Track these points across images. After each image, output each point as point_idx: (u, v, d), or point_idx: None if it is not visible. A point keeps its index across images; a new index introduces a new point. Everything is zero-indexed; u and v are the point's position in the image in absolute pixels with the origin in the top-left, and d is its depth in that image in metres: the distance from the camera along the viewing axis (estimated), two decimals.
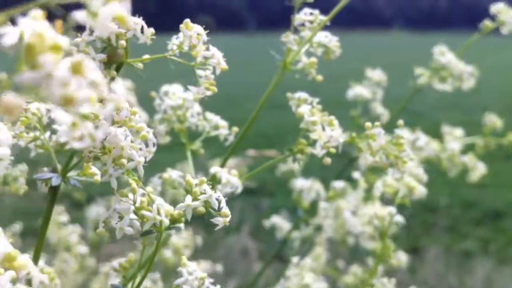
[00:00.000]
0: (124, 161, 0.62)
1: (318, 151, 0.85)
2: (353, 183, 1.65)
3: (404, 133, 1.86)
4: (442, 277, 4.22)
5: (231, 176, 0.90)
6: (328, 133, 0.85)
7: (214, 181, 0.89)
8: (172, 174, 0.96)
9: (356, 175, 1.57)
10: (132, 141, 0.64)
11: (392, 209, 1.14)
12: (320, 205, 1.59)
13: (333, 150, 0.85)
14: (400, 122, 0.93)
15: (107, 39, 0.69)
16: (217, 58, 0.74)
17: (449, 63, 1.61)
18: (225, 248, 4.58)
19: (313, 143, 0.88)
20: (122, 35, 0.69)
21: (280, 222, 1.77)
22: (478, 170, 1.75)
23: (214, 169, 0.91)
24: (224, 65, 0.75)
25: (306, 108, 0.90)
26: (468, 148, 1.89)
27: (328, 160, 0.85)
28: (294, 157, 0.91)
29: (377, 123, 0.89)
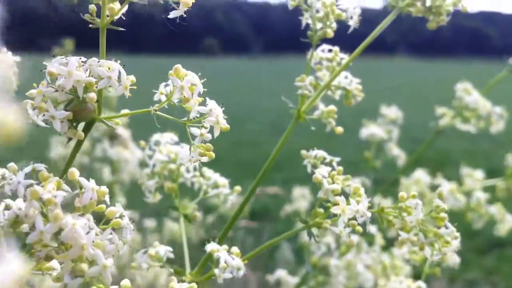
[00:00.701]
0: (85, 266, 0.45)
1: (341, 229, 0.68)
2: (369, 237, 1.48)
3: (421, 175, 1.71)
4: None
5: (230, 257, 0.72)
6: (353, 208, 0.68)
7: (210, 260, 0.72)
8: (159, 250, 0.78)
9: (372, 229, 1.40)
10: (97, 234, 0.47)
11: (421, 284, 0.96)
12: (331, 262, 1.42)
13: (359, 230, 0.69)
14: (440, 191, 0.76)
15: (73, 90, 0.53)
16: (216, 115, 0.57)
17: (476, 103, 1.45)
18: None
19: (332, 217, 0.71)
20: (91, 85, 0.52)
21: (285, 276, 1.59)
22: (508, 222, 1.57)
23: (211, 247, 0.73)
24: (224, 124, 0.58)
25: (325, 171, 0.73)
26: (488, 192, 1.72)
27: (352, 241, 0.68)
28: (309, 231, 0.74)
29: (414, 193, 0.72)
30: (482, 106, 1.45)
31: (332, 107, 0.85)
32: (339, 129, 0.85)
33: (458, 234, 0.73)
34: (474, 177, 1.80)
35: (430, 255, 0.72)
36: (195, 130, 0.58)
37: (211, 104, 0.57)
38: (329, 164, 0.79)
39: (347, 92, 0.88)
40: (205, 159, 0.58)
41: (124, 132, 1.87)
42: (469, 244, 5.57)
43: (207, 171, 0.88)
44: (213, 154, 0.57)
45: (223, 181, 0.87)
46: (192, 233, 2.60)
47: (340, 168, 0.76)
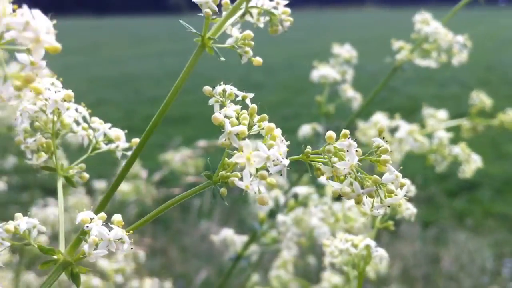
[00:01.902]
0: None
1: (247, 182, 0.52)
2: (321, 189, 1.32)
3: (380, 118, 1.55)
4: (419, 251, 4.14)
5: (106, 229, 0.56)
6: (261, 154, 0.52)
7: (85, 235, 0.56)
8: (21, 223, 0.61)
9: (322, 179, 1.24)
10: None
11: (370, 241, 0.81)
12: (277, 218, 1.26)
13: (272, 182, 0.52)
14: (380, 122, 0.60)
15: None
16: (34, 28, 0.39)
17: (436, 32, 1.28)
18: (197, 236, 4.37)
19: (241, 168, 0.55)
20: None
21: (231, 236, 1.43)
22: (473, 163, 1.42)
23: (81, 216, 0.57)
24: (49, 41, 0.40)
25: (231, 110, 0.57)
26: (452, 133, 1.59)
27: (263, 198, 0.52)
28: (214, 188, 0.58)
29: (345, 132, 0.56)
30: (443, 35, 1.29)
31: (249, 32, 0.67)
32: (258, 60, 0.68)
33: (405, 181, 0.58)
34: (437, 117, 1.66)
35: (370, 208, 0.57)
36: (20, 56, 0.40)
37: (26, 13, 0.40)
38: (242, 102, 0.63)
39: (272, 17, 0.70)
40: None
41: None
42: (440, 188, 5.60)
43: (96, 121, 0.71)
44: (42, 89, 0.40)
45: (116, 133, 0.70)
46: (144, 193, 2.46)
47: (254, 106, 0.59)
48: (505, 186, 5.80)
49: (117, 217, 0.59)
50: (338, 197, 1.20)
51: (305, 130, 1.48)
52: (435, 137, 1.42)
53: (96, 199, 2.70)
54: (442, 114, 1.68)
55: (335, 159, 0.56)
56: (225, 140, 0.54)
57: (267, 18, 0.70)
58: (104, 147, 0.71)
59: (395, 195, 0.57)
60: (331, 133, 0.56)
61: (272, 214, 1.36)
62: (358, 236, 0.84)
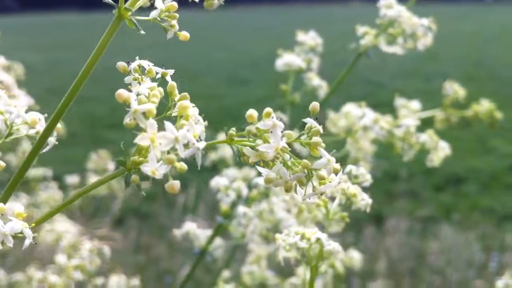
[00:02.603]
0: None
1: (153, 167, 0.46)
2: None
3: (351, 108, 1.50)
4: (405, 245, 4.12)
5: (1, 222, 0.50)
6: (168, 135, 0.46)
7: None
8: None
9: (263, 171, 1.17)
10: None
11: (321, 235, 0.75)
12: (238, 209, 1.21)
13: (181, 167, 0.47)
14: (314, 104, 0.54)
15: None
16: None
17: (400, 16, 1.22)
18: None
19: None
20: None
21: (194, 230, 1.37)
22: (441, 150, 1.37)
23: None
24: None
25: (145, 88, 0.51)
26: (426, 124, 1.55)
27: (173, 186, 0.46)
28: (127, 175, 0.52)
29: (268, 110, 0.50)
30: (407, 18, 1.23)
31: (172, 3, 0.61)
32: (184, 34, 0.62)
33: (338, 166, 0.52)
34: (410, 108, 1.61)
35: (302, 197, 0.52)
36: None
37: None
38: (162, 79, 0.57)
39: None
40: None
41: None
42: (426, 182, 5.59)
43: (11, 104, 0.64)
44: None
45: (33, 116, 0.63)
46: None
47: (173, 83, 0.54)
48: (491, 180, 5.81)
49: (17, 208, 0.53)
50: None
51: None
52: (402, 125, 1.37)
53: (69, 194, 2.64)
54: (415, 104, 1.64)
55: (259, 141, 0.50)
56: (130, 120, 0.48)
57: None
58: (23, 132, 0.65)
59: (329, 181, 0.51)
60: (251, 112, 0.50)
61: (236, 205, 1.31)
62: (311, 229, 0.78)
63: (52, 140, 0.62)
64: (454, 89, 1.64)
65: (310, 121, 0.53)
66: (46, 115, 0.64)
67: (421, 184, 5.60)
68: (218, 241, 1.37)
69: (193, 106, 0.50)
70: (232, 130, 0.52)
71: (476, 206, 5.15)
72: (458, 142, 5.73)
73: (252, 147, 0.51)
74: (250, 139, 0.51)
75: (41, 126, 0.63)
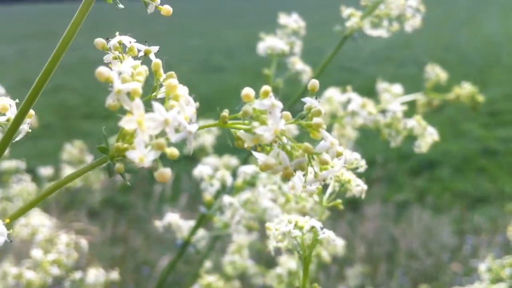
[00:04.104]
0: None
1: (141, 154, 0.41)
2: None
3: (333, 93, 1.46)
4: (381, 230, 4.15)
5: None
6: (157, 117, 0.41)
7: None
8: None
9: (260, 156, 1.13)
10: None
11: (315, 223, 0.71)
12: (223, 199, 1.16)
13: (172, 153, 0.42)
14: (313, 82, 0.49)
15: None
16: None
17: None
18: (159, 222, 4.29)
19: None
20: None
21: (176, 221, 1.32)
22: (429, 136, 1.34)
23: None
24: None
25: (127, 66, 0.46)
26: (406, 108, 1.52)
27: (164, 175, 0.42)
28: (110, 164, 0.47)
29: (266, 88, 0.46)
30: None
31: None
32: (167, 8, 0.57)
33: (342, 150, 0.48)
34: (392, 92, 1.59)
35: (303, 184, 0.47)
36: None
37: None
38: (145, 57, 0.52)
39: None
40: None
41: None
42: (401, 167, 5.63)
43: None
44: None
45: (2, 102, 0.58)
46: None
47: (158, 61, 0.49)
48: (464, 163, 5.87)
49: None
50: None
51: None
52: (388, 111, 1.34)
53: (43, 187, 2.56)
54: (397, 88, 1.61)
55: (256, 123, 0.46)
56: (113, 101, 0.43)
57: None
58: None
59: (331, 167, 0.47)
60: (248, 91, 0.46)
61: (220, 196, 1.26)
62: (304, 218, 0.74)
63: (24, 127, 0.57)
64: (436, 73, 1.61)
65: (310, 101, 0.49)
66: (17, 100, 0.59)
67: (396, 169, 5.64)
68: (201, 232, 1.33)
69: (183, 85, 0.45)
70: (225, 112, 0.47)
71: (449, 190, 5.21)
72: (430, 126, 5.77)
73: (248, 130, 0.46)
74: (245, 121, 0.47)
75: (11, 113, 0.57)
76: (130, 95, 0.42)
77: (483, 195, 5.09)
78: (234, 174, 1.28)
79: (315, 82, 0.50)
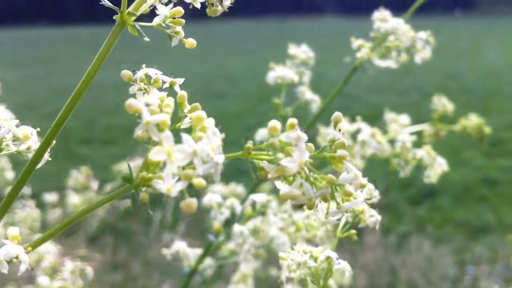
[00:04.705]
0: None
1: (169, 185, 0.41)
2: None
3: (344, 124, 1.46)
4: (382, 260, 4.11)
5: None
6: (186, 148, 0.41)
7: None
8: None
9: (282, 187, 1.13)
10: None
11: (331, 253, 0.70)
12: (234, 229, 1.15)
13: (200, 184, 0.42)
14: (337, 114, 0.50)
15: None
16: None
17: (398, 28, 1.20)
18: (158, 250, 4.26)
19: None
20: None
21: (184, 249, 1.32)
22: (439, 166, 1.34)
23: None
24: None
25: (154, 97, 0.46)
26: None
27: (190, 205, 0.42)
28: (134, 194, 0.47)
29: (292, 121, 0.46)
30: (406, 30, 1.21)
31: (179, 8, 0.57)
32: (191, 41, 0.58)
33: (365, 181, 0.48)
34: (399, 122, 1.59)
35: (325, 215, 0.47)
36: None
37: None
38: (170, 89, 0.53)
39: None
40: None
41: None
42: (402, 195, 5.61)
43: (0, 118, 0.59)
44: None
45: (25, 131, 0.58)
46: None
47: (183, 93, 0.49)
48: (465, 193, 5.85)
49: (12, 231, 0.48)
50: (299, 206, 1.11)
51: (262, 134, 1.38)
52: (398, 141, 1.34)
53: (47, 213, 2.55)
54: (404, 118, 1.62)
55: (280, 155, 0.46)
56: (142, 132, 0.43)
57: None
58: (13, 148, 0.60)
59: (354, 198, 0.47)
60: (274, 123, 0.46)
61: (228, 224, 1.26)
62: (318, 247, 0.74)
63: (46, 156, 0.57)
64: (443, 104, 1.63)
65: (333, 133, 0.49)
66: (38, 129, 0.59)
67: (397, 197, 5.63)
68: (208, 260, 1.32)
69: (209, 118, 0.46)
70: (250, 143, 0.48)
71: (450, 219, 5.19)
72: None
73: (272, 161, 0.46)
74: (269, 152, 0.47)
75: (33, 142, 0.57)
76: (159, 126, 0.43)
77: (484, 225, 5.06)
78: (242, 202, 1.28)
79: (338, 115, 0.50)
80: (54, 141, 0.55)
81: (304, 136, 0.46)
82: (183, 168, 0.42)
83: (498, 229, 4.89)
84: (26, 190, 2.31)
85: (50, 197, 2.54)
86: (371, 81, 10.99)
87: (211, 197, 1.24)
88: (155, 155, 0.41)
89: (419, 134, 1.66)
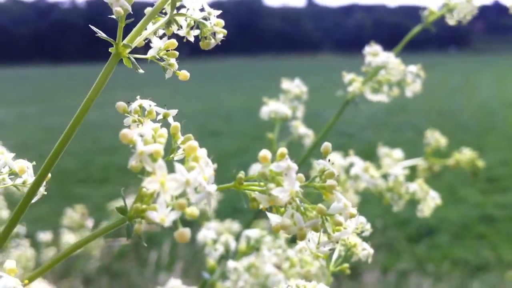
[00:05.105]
0: None
1: (162, 215, 0.42)
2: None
3: (335, 158, 1.48)
4: None
5: None
6: (179, 178, 0.42)
7: None
8: None
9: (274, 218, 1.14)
10: None
11: (324, 287, 0.70)
12: (228, 265, 1.15)
13: (192, 213, 0.43)
14: (326, 145, 0.51)
15: None
16: None
17: (388, 62, 1.22)
18: None
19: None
20: None
21: (179, 286, 1.30)
22: (431, 200, 1.35)
23: None
24: None
25: (148, 128, 0.47)
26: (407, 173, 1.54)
27: (184, 235, 0.42)
28: (129, 225, 0.48)
29: (282, 151, 0.47)
30: (396, 64, 1.23)
31: (172, 40, 0.58)
32: (184, 73, 0.59)
33: (355, 211, 0.49)
34: (393, 157, 1.61)
35: (316, 246, 0.48)
36: None
37: None
38: (163, 120, 0.54)
39: (204, 28, 0.61)
40: None
41: None
42: (400, 233, 5.59)
43: None
44: None
45: (21, 164, 0.58)
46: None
47: (177, 124, 0.50)
48: (463, 230, 5.83)
49: (9, 264, 0.48)
50: (292, 240, 1.11)
51: (255, 168, 1.38)
52: (391, 175, 1.35)
53: (42, 252, 2.53)
54: (398, 153, 1.63)
55: (271, 185, 0.47)
56: (136, 162, 0.44)
57: (198, 31, 0.61)
58: (8, 182, 0.60)
59: (344, 228, 0.48)
60: (265, 153, 0.47)
61: (222, 261, 1.25)
62: (312, 283, 0.73)
63: (41, 190, 0.58)
64: (436, 138, 1.64)
65: (323, 163, 0.50)
66: (34, 162, 0.60)
67: (395, 235, 5.61)
68: None
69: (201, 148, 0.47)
70: (241, 174, 0.49)
71: (449, 257, 5.15)
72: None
73: (263, 192, 0.47)
74: (261, 183, 0.48)
75: (29, 175, 0.58)
76: (152, 156, 0.44)
77: (483, 262, 5.02)
78: (237, 239, 1.28)
79: (327, 145, 0.51)
80: (49, 175, 0.56)
81: (295, 166, 0.47)
82: (176, 198, 0.43)
83: (497, 266, 4.86)
84: (21, 229, 2.30)
85: (45, 236, 2.52)
86: (366, 119, 11.07)
87: (206, 234, 1.24)
88: (148, 184, 0.42)
89: (413, 170, 1.67)
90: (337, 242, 0.49)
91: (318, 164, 0.50)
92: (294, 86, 1.47)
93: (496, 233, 5.73)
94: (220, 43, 0.62)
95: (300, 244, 0.84)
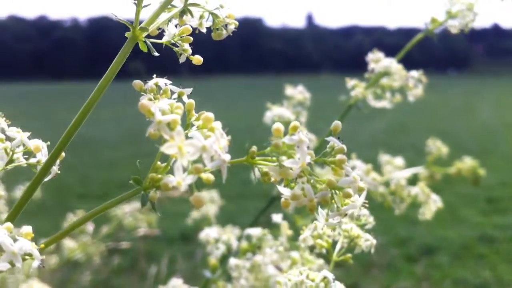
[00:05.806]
0: None
1: (179, 178, 0.44)
2: (274, 229, 1.22)
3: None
4: None
5: (10, 240, 0.46)
6: (196, 143, 0.44)
7: None
8: None
9: (276, 218, 1.15)
10: None
11: (327, 273, 0.71)
12: (230, 262, 1.15)
13: (208, 179, 0.44)
14: (336, 123, 0.53)
15: None
16: None
17: (390, 67, 1.24)
18: None
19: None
20: None
21: (180, 286, 1.30)
22: (433, 203, 1.36)
23: None
24: None
25: (165, 103, 0.49)
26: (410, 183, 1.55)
27: (200, 200, 0.43)
28: (144, 195, 0.49)
29: (295, 124, 0.49)
30: (398, 69, 1.25)
31: (187, 26, 0.60)
32: (198, 58, 0.61)
33: (363, 185, 0.50)
34: (394, 164, 1.62)
35: (325, 217, 0.49)
36: None
37: None
38: (179, 99, 0.56)
39: (216, 19, 0.63)
40: None
41: None
42: (399, 252, 5.57)
43: (13, 130, 0.61)
44: None
45: (36, 143, 0.60)
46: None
47: (192, 101, 0.52)
48: (462, 250, 5.82)
49: (26, 229, 0.50)
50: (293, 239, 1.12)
51: (269, 115, 1.40)
52: (392, 179, 1.37)
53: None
54: (399, 161, 1.65)
55: (284, 157, 0.49)
56: (154, 130, 0.46)
57: (210, 22, 0.63)
58: (23, 161, 0.62)
59: (352, 201, 0.50)
60: (278, 125, 0.49)
61: (224, 259, 1.26)
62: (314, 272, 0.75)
63: (54, 169, 0.59)
64: (437, 147, 1.66)
65: (333, 140, 0.52)
66: (49, 142, 0.62)
67: (395, 255, 5.59)
68: None
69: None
70: (254, 148, 0.50)
71: (448, 277, 5.13)
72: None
73: (275, 161, 0.49)
74: (273, 158, 0.49)
75: (43, 155, 0.60)
76: (170, 125, 0.45)
77: (483, 283, 5.00)
78: (239, 241, 1.29)
79: (338, 124, 0.53)
80: (63, 154, 0.58)
81: (306, 139, 0.49)
82: (192, 163, 0.44)
83: (497, 287, 4.84)
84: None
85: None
86: (366, 138, 11.10)
87: (208, 232, 1.25)
88: (167, 149, 0.43)
89: (414, 179, 1.68)
90: (345, 215, 0.50)
91: (329, 141, 0.52)
92: (298, 92, 1.49)
93: (496, 253, 5.71)
94: (227, 32, 0.64)
95: (304, 234, 0.85)
